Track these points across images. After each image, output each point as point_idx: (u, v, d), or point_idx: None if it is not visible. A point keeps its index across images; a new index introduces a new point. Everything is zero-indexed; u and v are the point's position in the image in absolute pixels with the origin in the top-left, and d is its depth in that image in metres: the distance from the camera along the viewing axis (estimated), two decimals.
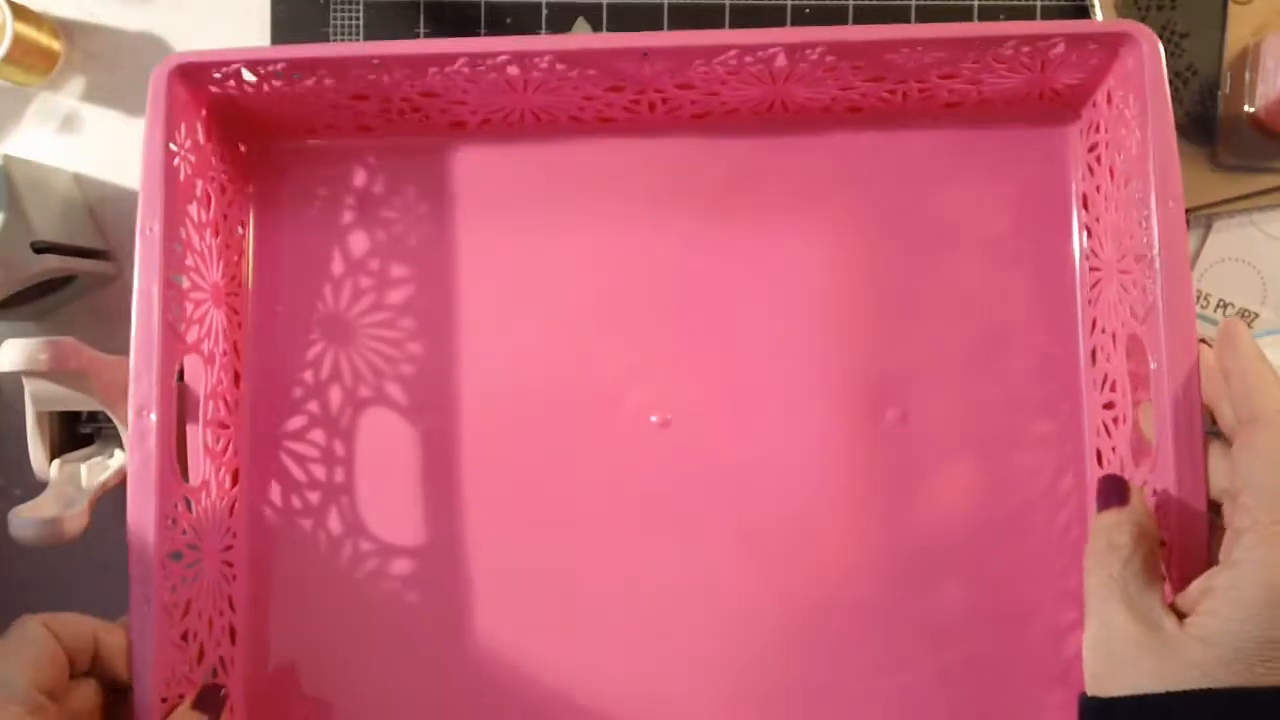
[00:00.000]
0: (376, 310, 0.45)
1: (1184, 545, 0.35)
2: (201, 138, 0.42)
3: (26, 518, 0.41)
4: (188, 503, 0.40)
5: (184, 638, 0.40)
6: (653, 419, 0.44)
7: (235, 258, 0.45)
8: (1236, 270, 0.48)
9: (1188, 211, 0.48)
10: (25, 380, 0.43)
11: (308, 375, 0.45)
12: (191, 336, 0.41)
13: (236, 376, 0.45)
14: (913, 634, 0.43)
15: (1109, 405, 0.41)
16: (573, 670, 0.44)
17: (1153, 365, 0.37)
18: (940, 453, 0.43)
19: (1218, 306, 0.48)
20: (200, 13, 0.51)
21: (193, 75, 0.40)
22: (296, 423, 0.45)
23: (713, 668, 0.43)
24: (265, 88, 0.41)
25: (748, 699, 0.43)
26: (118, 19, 0.51)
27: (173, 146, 0.40)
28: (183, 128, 0.40)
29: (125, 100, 0.51)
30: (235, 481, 0.44)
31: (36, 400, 0.44)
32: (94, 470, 0.45)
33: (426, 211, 0.45)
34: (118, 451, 0.45)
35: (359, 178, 0.46)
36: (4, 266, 0.44)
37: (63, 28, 0.51)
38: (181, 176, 0.40)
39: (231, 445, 0.44)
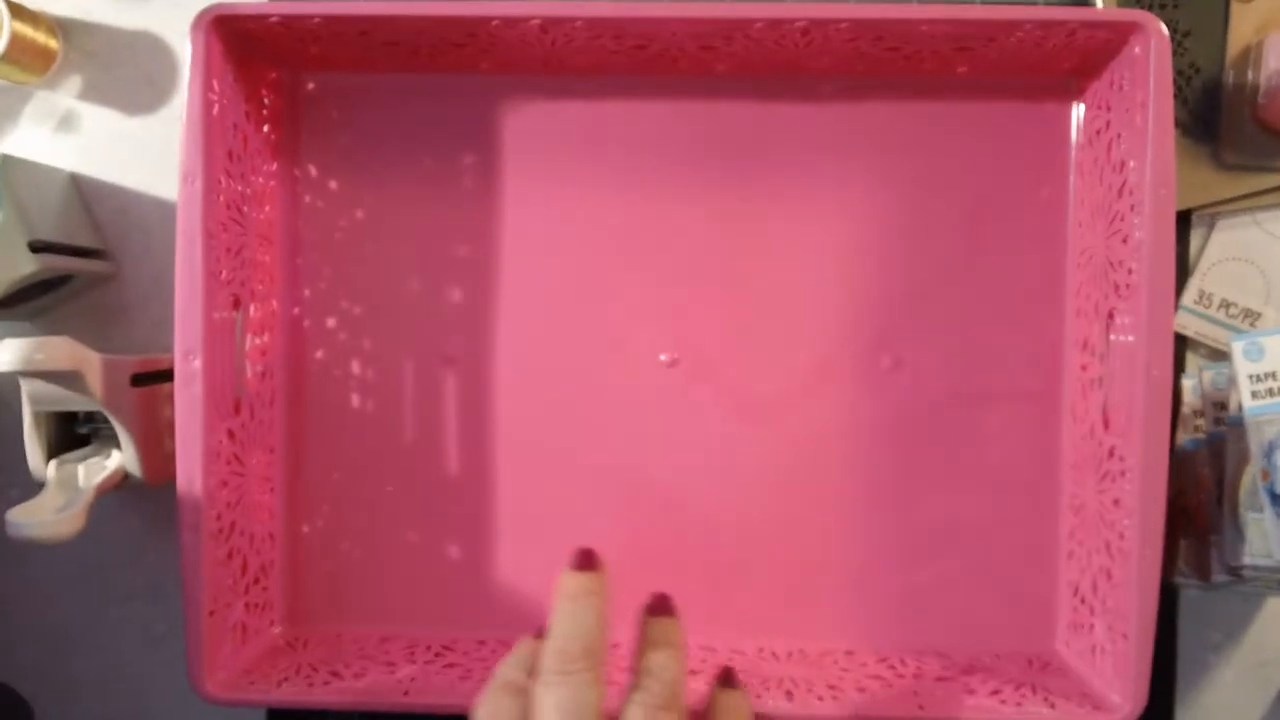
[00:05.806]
0: (407, 252, 0.48)
1: (1144, 512, 0.40)
2: (237, 87, 0.44)
3: (23, 518, 0.41)
4: (230, 434, 0.44)
5: (229, 555, 0.44)
6: (662, 358, 0.47)
7: (268, 201, 0.47)
8: (1240, 270, 0.48)
9: (1191, 211, 0.48)
10: (22, 380, 0.43)
11: (346, 312, 0.48)
12: (231, 279, 0.43)
13: (275, 317, 0.47)
14: (894, 549, 0.47)
15: (1085, 367, 0.45)
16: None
17: (1130, 339, 0.40)
18: (928, 399, 0.47)
19: (1220, 306, 0.48)
20: (196, 9, 0.50)
21: (228, 25, 0.42)
22: (334, 358, 0.48)
23: (712, 575, 0.47)
24: (297, 31, 0.43)
25: (745, 605, 0.47)
26: (115, 17, 0.51)
27: (211, 95, 0.41)
28: (216, 81, 0.42)
29: (123, 99, 0.51)
30: (275, 406, 0.48)
31: (33, 400, 0.44)
32: (91, 470, 0.45)
33: (466, 163, 0.47)
34: (115, 452, 0.45)
35: (394, 120, 0.47)
36: (1, 266, 0.44)
37: (60, 26, 0.50)
38: (218, 118, 0.42)
39: (271, 382, 0.47)
